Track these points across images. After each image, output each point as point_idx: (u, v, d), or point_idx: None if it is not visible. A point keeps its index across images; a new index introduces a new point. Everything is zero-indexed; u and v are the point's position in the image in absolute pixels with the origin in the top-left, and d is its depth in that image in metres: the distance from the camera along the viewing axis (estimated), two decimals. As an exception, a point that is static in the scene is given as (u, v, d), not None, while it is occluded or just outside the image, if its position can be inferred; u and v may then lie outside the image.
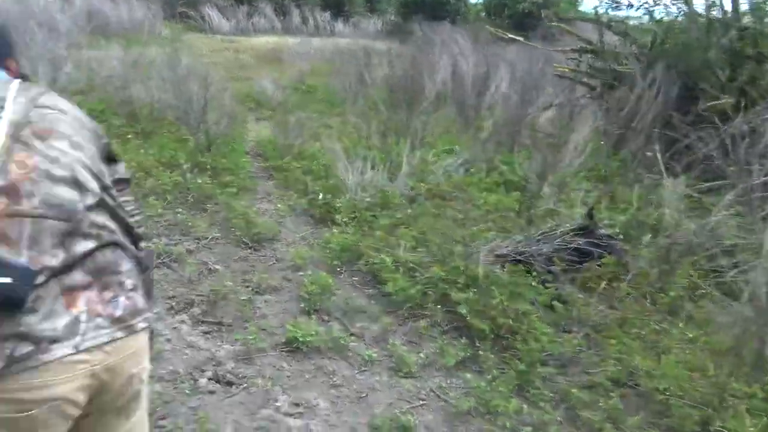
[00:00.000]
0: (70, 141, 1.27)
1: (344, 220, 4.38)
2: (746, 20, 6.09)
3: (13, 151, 1.15)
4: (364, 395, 2.72)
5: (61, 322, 1.11)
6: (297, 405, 2.60)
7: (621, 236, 4.33)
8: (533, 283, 3.55)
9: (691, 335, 3.17)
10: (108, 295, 1.19)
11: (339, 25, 31.65)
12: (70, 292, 1.14)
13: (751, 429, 2.36)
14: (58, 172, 1.21)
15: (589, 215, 4.32)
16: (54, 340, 1.09)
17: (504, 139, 6.60)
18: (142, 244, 1.44)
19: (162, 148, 5.43)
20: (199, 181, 4.79)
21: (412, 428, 2.49)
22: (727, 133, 5.24)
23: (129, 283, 1.25)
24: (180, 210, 4.39)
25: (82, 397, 1.16)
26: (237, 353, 2.91)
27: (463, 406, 2.62)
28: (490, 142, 6.59)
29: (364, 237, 4.06)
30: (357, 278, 3.77)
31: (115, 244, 1.26)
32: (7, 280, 1.03)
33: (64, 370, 1.10)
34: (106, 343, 1.17)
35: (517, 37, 7.73)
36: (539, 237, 4.08)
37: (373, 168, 5.11)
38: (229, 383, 2.70)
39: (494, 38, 10.84)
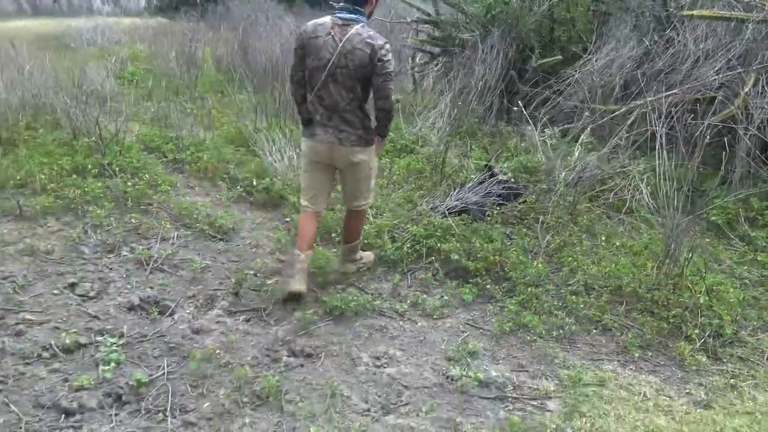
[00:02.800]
0: None
1: (295, 200, 4.64)
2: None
3: None
4: (422, 338, 3.20)
5: (321, 130, 3.30)
6: (378, 359, 3.00)
7: (513, 180, 5.21)
8: (487, 227, 4.25)
9: (617, 244, 4.15)
10: (341, 130, 3.29)
11: (97, 3, 29.03)
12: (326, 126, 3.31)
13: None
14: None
15: (489, 167, 5.15)
16: (317, 134, 3.31)
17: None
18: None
19: (50, 156, 5.04)
20: (128, 183, 4.64)
21: (477, 351, 3.05)
22: (565, 83, 6.45)
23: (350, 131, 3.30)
24: (130, 215, 4.28)
25: (327, 156, 3.37)
26: (296, 330, 3.17)
27: (505, 328, 3.25)
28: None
29: (330, 211, 4.39)
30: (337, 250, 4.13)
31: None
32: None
33: (319, 145, 3.33)
34: (332, 143, 3.29)
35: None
36: (467, 190, 4.79)
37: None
38: (308, 354, 2.99)
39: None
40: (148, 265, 3.71)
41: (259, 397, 2.62)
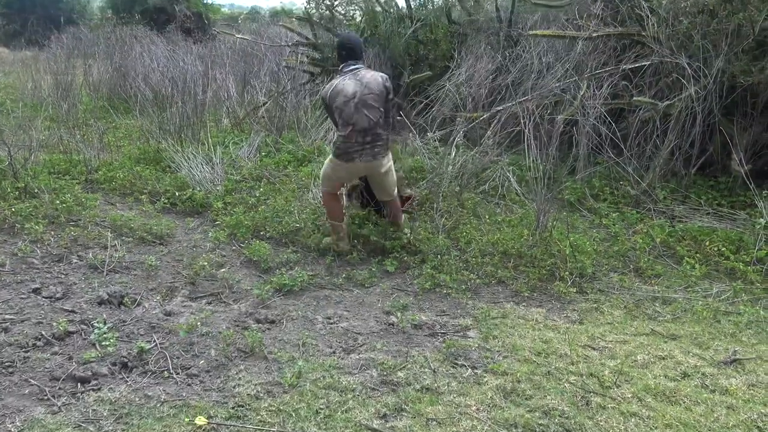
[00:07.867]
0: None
1: (220, 206, 5.15)
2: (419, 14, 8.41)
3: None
4: (361, 301, 3.89)
5: (359, 153, 4.28)
6: (329, 318, 3.65)
7: (405, 178, 6.06)
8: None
9: (498, 220, 5.11)
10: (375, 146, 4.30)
11: (-77, 34, 26.59)
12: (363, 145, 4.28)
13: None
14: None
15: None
16: (355, 158, 4.29)
17: (268, 125, 7.76)
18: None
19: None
20: (55, 201, 4.89)
21: (407, 304, 3.80)
22: (438, 94, 7.47)
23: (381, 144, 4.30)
24: (66, 229, 4.55)
25: (363, 172, 4.46)
26: (255, 305, 3.73)
27: (425, 286, 4.03)
28: (259, 130, 7.69)
29: (255, 213, 4.95)
30: (271, 242, 4.71)
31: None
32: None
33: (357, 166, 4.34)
34: (368, 161, 4.26)
35: (245, 37, 8.78)
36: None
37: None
38: (272, 321, 3.57)
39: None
40: (102, 268, 4.07)
41: (245, 352, 3.17)
